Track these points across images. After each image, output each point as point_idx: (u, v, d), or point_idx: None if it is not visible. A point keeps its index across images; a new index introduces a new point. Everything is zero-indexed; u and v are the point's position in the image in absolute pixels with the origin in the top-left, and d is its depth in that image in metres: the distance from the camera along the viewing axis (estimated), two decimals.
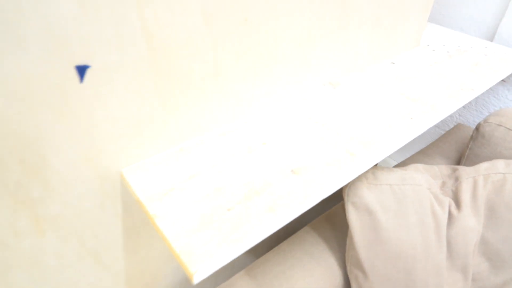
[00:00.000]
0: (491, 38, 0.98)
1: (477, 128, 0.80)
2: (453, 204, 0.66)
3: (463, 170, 0.69)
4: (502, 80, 0.99)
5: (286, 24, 0.54)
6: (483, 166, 0.69)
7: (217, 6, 0.45)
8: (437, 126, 1.23)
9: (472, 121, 1.12)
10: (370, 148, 0.55)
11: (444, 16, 1.05)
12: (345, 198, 0.63)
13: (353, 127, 0.59)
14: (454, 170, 0.72)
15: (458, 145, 0.94)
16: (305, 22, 0.57)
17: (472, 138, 0.82)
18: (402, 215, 0.62)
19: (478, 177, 0.67)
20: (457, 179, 0.69)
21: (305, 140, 0.56)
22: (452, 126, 1.14)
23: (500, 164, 0.69)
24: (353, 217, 0.62)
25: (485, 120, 0.79)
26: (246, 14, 0.49)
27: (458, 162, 0.89)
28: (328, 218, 0.74)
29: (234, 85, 0.54)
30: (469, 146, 0.82)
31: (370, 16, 0.68)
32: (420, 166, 0.72)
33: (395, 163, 1.45)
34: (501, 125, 0.76)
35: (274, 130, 0.58)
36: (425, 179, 0.67)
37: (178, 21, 0.43)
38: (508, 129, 0.75)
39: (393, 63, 0.79)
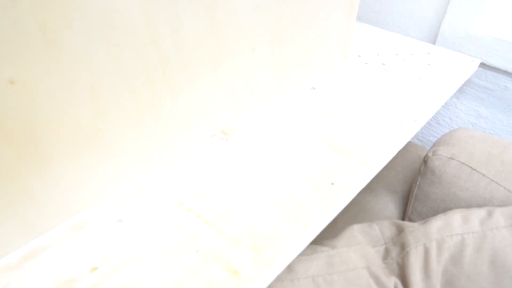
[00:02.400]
0: (433, 39, 0.81)
1: (425, 162, 0.63)
2: (400, 287, 0.48)
3: (411, 233, 0.52)
4: None
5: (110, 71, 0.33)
6: (435, 226, 0.52)
7: None
8: None
9: (420, 135, 0.96)
10: (265, 256, 0.35)
11: (378, 13, 0.88)
12: None
13: (245, 214, 0.39)
14: (400, 231, 0.54)
15: (406, 173, 0.78)
16: (153, 63, 0.36)
17: (420, 173, 0.65)
18: None
19: (429, 244, 0.50)
20: (403, 247, 0.51)
21: (169, 255, 0.35)
22: None
23: (456, 220, 0.52)
24: None
25: (434, 152, 0.62)
26: (10, 71, 0.27)
27: (407, 198, 0.73)
28: None
29: (20, 183, 0.32)
30: (418, 183, 0.65)
31: (267, 31, 0.47)
32: (356, 229, 0.54)
33: None
34: (453, 159, 0.60)
35: (115, 242, 0.37)
36: (362, 254, 0.49)
37: None
38: (462, 163, 0.59)
39: (314, 88, 0.60)
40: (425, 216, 0.66)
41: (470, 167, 0.58)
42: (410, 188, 0.73)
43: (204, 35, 0.40)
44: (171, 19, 0.35)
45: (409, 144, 0.85)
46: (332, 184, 0.43)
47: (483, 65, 0.76)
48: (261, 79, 0.51)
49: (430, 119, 0.91)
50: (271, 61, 0.51)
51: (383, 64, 0.68)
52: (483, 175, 0.57)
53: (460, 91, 0.82)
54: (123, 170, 0.41)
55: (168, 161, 0.45)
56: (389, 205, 0.71)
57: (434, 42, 0.81)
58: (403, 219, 0.71)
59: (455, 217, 0.52)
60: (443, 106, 0.87)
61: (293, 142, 0.49)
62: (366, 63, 0.68)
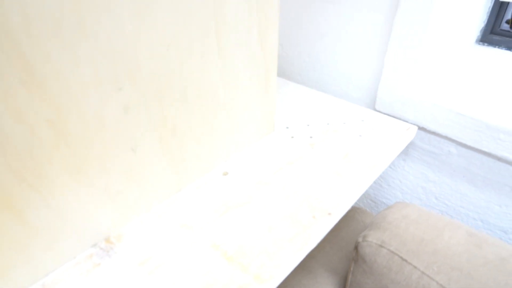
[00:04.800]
0: (374, 101, 0.77)
1: (356, 248, 0.57)
2: None
3: None
4: None
5: None
6: None
7: None
8: None
9: (373, 195, 0.91)
10: None
11: (318, 73, 0.84)
12: None
13: None
14: None
15: (350, 248, 0.72)
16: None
17: (353, 259, 0.59)
18: None
19: None
20: None
21: None
22: None
23: None
24: None
25: (364, 237, 0.56)
26: None
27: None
28: None
29: None
30: (352, 269, 0.59)
31: (151, 127, 0.43)
32: None
33: None
34: (383, 247, 0.54)
35: None
36: None
37: None
38: (392, 252, 0.53)
39: (226, 174, 0.55)
40: None
41: (401, 257, 0.52)
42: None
43: (53, 148, 0.35)
44: None
45: (354, 210, 0.79)
46: None
47: (424, 129, 0.72)
48: (150, 177, 0.46)
49: (380, 181, 0.86)
50: (163, 156, 0.46)
51: (311, 137, 0.63)
52: (414, 266, 0.51)
53: (406, 153, 0.78)
54: None
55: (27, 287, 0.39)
56: None
57: (374, 104, 0.77)
58: None
59: None
60: (391, 168, 0.82)
61: (182, 250, 0.43)
62: (292, 137, 0.63)
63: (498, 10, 0.74)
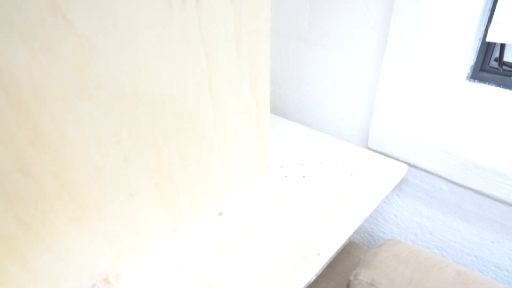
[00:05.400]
0: (366, 139, 0.80)
1: (348, 286, 0.58)
2: None
3: None
4: None
5: None
6: None
7: None
8: None
9: (370, 230, 0.92)
10: None
11: (314, 111, 0.88)
12: None
13: None
14: None
15: (344, 284, 0.73)
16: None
17: None
18: None
19: None
20: None
21: None
22: None
23: None
24: None
25: (355, 276, 0.58)
26: None
27: None
28: None
29: None
30: None
31: (147, 174, 0.46)
32: None
33: None
34: (373, 285, 0.55)
35: None
36: None
37: None
38: None
39: (221, 214, 0.57)
40: None
41: None
42: None
43: (57, 198, 0.38)
44: None
45: (350, 245, 0.80)
46: None
47: (416, 166, 0.74)
48: (147, 220, 0.49)
49: (376, 216, 0.88)
50: (160, 200, 0.49)
51: (304, 176, 0.66)
52: None
53: (399, 189, 0.80)
54: None
55: None
56: None
57: (367, 142, 0.80)
58: None
59: None
60: (386, 203, 0.84)
61: None
62: (286, 176, 0.66)
63: (486, 48, 0.77)
